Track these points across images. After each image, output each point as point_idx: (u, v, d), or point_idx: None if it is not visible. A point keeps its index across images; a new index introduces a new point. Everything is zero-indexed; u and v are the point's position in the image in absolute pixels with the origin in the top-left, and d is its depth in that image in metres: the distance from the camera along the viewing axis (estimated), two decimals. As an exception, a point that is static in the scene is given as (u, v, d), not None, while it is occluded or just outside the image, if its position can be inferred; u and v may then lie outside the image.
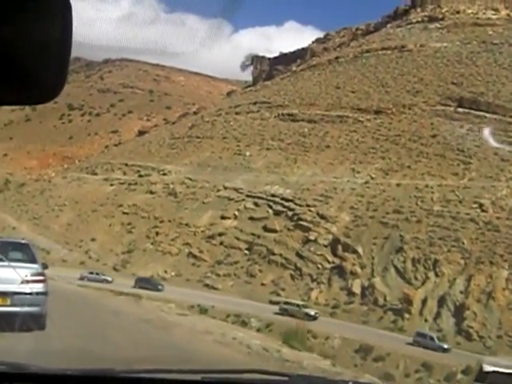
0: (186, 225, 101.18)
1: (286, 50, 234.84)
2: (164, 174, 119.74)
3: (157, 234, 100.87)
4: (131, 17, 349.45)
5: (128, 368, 4.81)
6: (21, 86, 2.37)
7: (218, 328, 21.98)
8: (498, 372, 12.26)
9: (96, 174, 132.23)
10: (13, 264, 13.64)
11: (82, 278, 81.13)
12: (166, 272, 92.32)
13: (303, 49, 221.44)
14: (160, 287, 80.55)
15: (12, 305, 13.56)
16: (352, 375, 16.71)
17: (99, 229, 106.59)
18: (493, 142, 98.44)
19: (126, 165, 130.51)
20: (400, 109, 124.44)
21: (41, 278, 14.33)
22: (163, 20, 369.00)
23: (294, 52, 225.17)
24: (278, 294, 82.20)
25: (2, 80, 2.31)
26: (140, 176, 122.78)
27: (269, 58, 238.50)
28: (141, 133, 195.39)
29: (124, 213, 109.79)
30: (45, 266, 15.93)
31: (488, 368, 12.41)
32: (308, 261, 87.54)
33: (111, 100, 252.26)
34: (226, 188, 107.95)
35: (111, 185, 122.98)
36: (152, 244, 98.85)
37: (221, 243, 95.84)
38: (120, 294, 39.14)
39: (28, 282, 13.71)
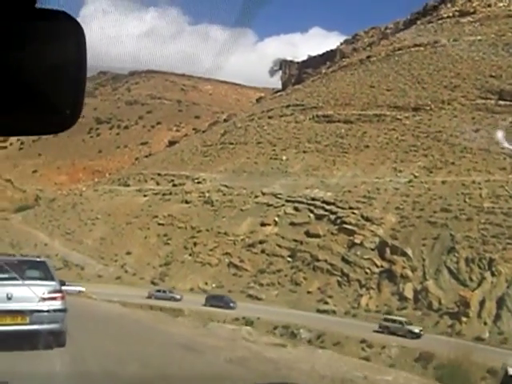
0: (225, 234, 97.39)
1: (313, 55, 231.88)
2: (199, 183, 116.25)
3: (195, 244, 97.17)
4: (155, 31, 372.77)
5: None
6: (37, 113, 2.33)
7: (348, 367, 16.49)
8: None
9: (128, 186, 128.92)
10: (30, 282, 13.76)
11: (149, 297, 78.78)
12: (206, 284, 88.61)
13: (332, 50, 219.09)
14: (232, 305, 76.00)
15: (31, 323, 13.58)
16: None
17: (134, 242, 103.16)
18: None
19: (159, 174, 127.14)
20: (439, 105, 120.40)
21: (58, 295, 14.42)
22: (188, 32, 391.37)
23: (323, 54, 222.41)
24: (326, 302, 78.15)
25: (17, 108, 2.28)
26: (174, 185, 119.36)
27: (297, 62, 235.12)
28: (171, 143, 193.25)
29: (159, 224, 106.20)
30: (62, 283, 15.82)
31: None
32: (355, 266, 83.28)
33: (139, 112, 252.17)
34: (264, 194, 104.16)
35: (144, 196, 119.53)
36: (190, 255, 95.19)
37: (262, 251, 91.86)
38: (187, 315, 34.91)
39: (46, 299, 13.91)
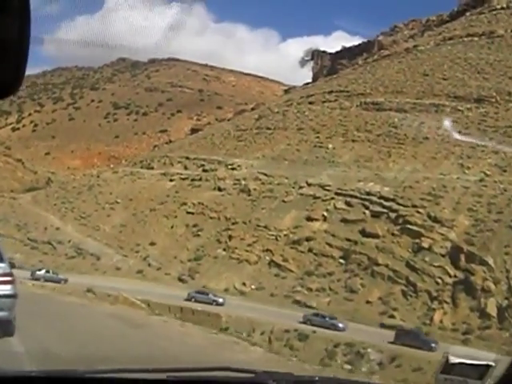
0: (265, 227, 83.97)
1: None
2: (233, 169, 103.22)
3: (230, 237, 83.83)
4: (180, 26, 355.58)
5: (92, 368, 4.70)
6: None
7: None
8: (464, 364, 10.00)
9: (152, 169, 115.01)
10: None
11: (189, 299, 66.50)
12: (244, 284, 75.27)
13: (369, 41, 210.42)
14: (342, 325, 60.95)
15: None
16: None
17: (159, 231, 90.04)
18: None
19: (187, 158, 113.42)
20: (505, 97, 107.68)
21: (8, 278, 12.45)
22: (212, 29, 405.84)
23: (359, 45, 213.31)
24: (392, 316, 64.40)
25: None
26: (204, 170, 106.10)
27: (330, 53, 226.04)
28: (194, 130, 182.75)
29: (188, 212, 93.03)
30: (12, 266, 14.92)
31: (454, 360, 10.06)
32: (423, 273, 69.62)
33: (159, 99, 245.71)
34: (309, 184, 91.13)
35: (171, 180, 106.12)
36: (224, 250, 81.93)
37: (309, 250, 78.57)
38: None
39: None
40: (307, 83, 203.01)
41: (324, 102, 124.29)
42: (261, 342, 48.42)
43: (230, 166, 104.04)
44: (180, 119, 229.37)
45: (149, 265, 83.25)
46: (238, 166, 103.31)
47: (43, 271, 72.46)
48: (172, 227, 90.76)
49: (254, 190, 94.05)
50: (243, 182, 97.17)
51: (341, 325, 59.52)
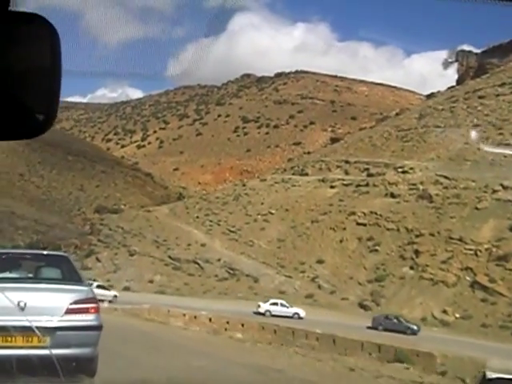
0: (460, 240, 68.26)
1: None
2: (404, 172, 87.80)
3: (416, 253, 68.56)
4: (305, 46, 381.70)
5: None
6: (9, 118, 2.30)
7: None
8: (501, 378, 11.66)
9: (306, 175, 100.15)
10: (51, 286, 9.81)
11: (374, 327, 54.41)
12: (444, 312, 59.29)
13: None
14: None
15: (53, 346, 8.94)
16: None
17: (326, 246, 75.50)
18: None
19: (347, 162, 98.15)
20: None
21: (92, 305, 9.92)
22: (336, 48, 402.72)
23: (510, 42, 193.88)
24: None
25: None
26: (369, 175, 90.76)
27: (476, 53, 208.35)
28: (334, 140, 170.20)
29: (359, 223, 78.18)
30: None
31: (491, 375, 12.51)
32: None
33: (289, 111, 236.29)
34: (505, 188, 74.22)
35: (331, 187, 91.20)
36: (412, 268, 66.89)
37: (522, 269, 61.81)
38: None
39: (74, 311, 9.59)
40: (452, 86, 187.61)
41: (497, 95, 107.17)
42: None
43: (400, 169, 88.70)
44: (313, 131, 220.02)
45: (319, 287, 68.57)
46: (410, 168, 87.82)
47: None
48: (341, 241, 76.04)
49: (436, 195, 78.57)
50: (420, 187, 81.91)
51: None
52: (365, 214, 79.46)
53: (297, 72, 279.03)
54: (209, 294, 67.76)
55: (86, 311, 9.66)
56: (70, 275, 10.36)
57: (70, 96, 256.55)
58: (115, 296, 57.60)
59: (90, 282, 58.85)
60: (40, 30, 2.25)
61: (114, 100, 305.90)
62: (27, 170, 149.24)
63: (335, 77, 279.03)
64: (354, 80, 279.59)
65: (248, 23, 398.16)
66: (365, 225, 77.73)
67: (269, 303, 58.31)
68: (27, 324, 8.78)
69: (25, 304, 9.00)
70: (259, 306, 57.55)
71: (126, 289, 70.16)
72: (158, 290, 71.22)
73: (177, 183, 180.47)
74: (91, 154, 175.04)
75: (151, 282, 74.41)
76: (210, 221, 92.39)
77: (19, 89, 2.20)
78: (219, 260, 77.11)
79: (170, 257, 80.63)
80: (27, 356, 8.78)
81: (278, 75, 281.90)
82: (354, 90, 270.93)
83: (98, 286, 54.98)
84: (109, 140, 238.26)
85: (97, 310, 9.97)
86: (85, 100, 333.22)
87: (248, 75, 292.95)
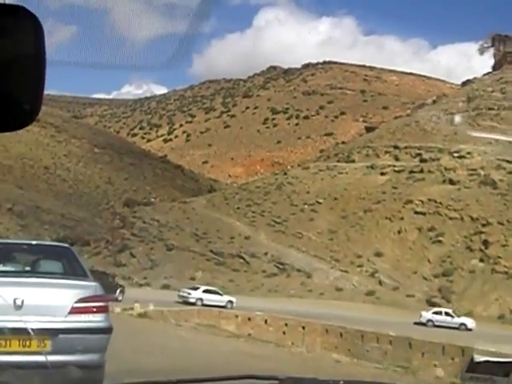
0: (533, 229, 61.77)
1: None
2: (461, 157, 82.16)
3: (485, 243, 62.68)
4: (330, 40, 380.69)
5: None
6: None
7: None
8: (488, 361, 13.20)
9: (353, 161, 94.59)
10: (52, 281, 8.53)
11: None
12: (526, 309, 53.27)
13: None
14: None
15: (54, 351, 7.73)
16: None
17: (383, 237, 70.35)
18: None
19: (396, 147, 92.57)
20: None
21: (100, 304, 8.49)
22: (362, 42, 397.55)
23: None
24: None
25: None
26: (422, 160, 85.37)
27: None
28: (369, 129, 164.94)
29: (417, 212, 73.40)
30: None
31: (479, 358, 13.32)
32: None
33: (319, 102, 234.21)
34: None
35: (382, 174, 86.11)
36: (482, 261, 61.22)
37: None
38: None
39: (79, 310, 8.22)
40: (488, 72, 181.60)
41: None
42: None
43: (455, 154, 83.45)
44: (344, 121, 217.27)
45: (380, 283, 62.90)
46: (468, 153, 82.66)
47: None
48: (399, 232, 71.03)
49: (501, 181, 73.31)
50: (482, 172, 76.40)
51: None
52: (423, 202, 74.43)
53: (324, 63, 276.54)
54: (257, 292, 62.57)
55: (93, 311, 8.26)
56: (74, 269, 9.07)
57: (94, 93, 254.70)
58: (230, 301, 50.77)
59: (196, 286, 53.61)
60: (24, 21, 2.26)
61: (139, 96, 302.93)
62: (52, 162, 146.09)
63: (364, 66, 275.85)
64: (383, 69, 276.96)
65: (273, 18, 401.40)
66: (424, 214, 73.01)
67: (431, 312, 52.17)
68: (24, 325, 7.49)
69: (22, 302, 7.78)
70: (421, 316, 51.33)
71: (166, 287, 65.04)
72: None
73: (207, 176, 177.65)
74: (118, 146, 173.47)
75: (193, 279, 68.64)
76: (253, 212, 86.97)
77: (3, 81, 2.21)
78: (266, 254, 71.67)
79: (211, 251, 75.13)
80: (24, 363, 7.38)
81: (306, 66, 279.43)
82: (383, 80, 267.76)
83: (206, 291, 49.95)
84: (134, 134, 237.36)
85: (106, 310, 8.60)
86: (110, 97, 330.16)
87: (274, 67, 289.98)
